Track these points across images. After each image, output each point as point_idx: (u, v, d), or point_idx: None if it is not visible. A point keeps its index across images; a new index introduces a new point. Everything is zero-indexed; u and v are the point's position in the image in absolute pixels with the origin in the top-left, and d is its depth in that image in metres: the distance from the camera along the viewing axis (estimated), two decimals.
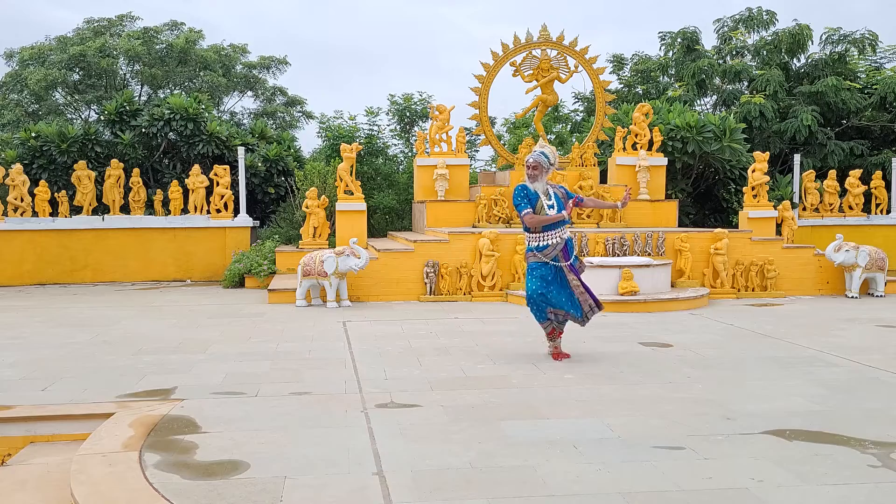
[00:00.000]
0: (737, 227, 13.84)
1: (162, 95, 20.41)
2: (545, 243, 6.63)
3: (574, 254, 6.77)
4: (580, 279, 6.74)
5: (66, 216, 14.44)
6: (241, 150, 14.78)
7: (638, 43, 52.42)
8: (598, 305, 6.80)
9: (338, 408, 5.26)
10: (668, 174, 15.06)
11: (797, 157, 16.18)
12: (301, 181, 15.32)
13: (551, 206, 6.55)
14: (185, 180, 14.73)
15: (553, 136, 20.50)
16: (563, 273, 6.66)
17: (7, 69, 21.48)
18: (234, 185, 15.06)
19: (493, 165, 18.31)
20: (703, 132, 15.40)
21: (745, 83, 18.99)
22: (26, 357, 7.06)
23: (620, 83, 20.84)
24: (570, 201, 6.80)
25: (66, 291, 12.86)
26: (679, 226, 14.13)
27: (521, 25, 43.28)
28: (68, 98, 21.31)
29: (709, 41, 20.37)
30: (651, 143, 14.29)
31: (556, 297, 6.65)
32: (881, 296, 11.84)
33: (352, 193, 12.56)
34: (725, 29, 20.04)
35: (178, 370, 6.47)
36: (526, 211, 6.57)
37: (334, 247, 11.71)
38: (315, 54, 46.75)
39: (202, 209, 14.57)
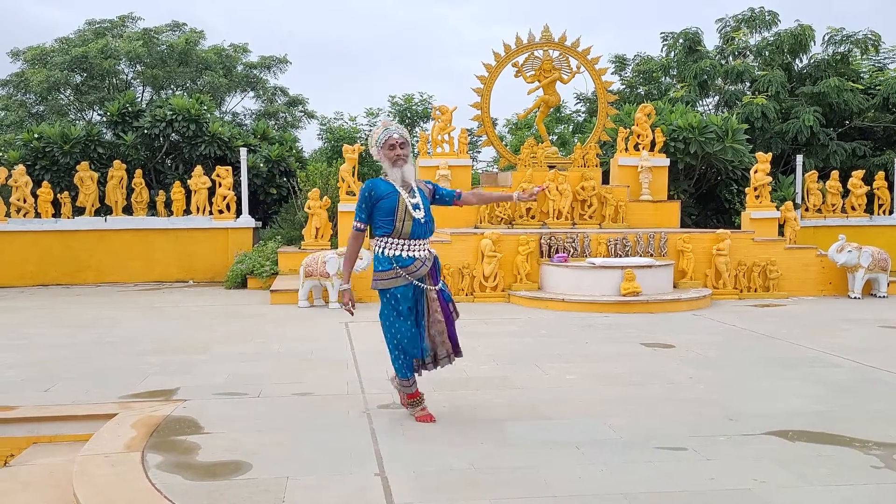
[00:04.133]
0: (739, 228, 13.81)
1: (164, 96, 20.43)
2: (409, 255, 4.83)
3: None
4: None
5: (68, 217, 14.47)
6: (243, 151, 14.80)
7: (640, 44, 52.46)
8: None
9: (340, 408, 5.26)
10: (671, 175, 15.05)
11: (799, 158, 16.16)
12: (303, 182, 15.34)
13: (417, 207, 4.82)
14: (188, 181, 14.76)
15: (555, 137, 20.52)
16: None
17: (14, 68, 21.53)
18: (236, 185, 15.08)
19: (495, 166, 18.31)
20: (706, 133, 15.39)
21: (748, 84, 18.97)
22: (29, 358, 7.07)
23: (622, 84, 20.85)
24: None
25: (69, 292, 12.88)
26: (681, 226, 14.11)
27: (523, 26, 43.30)
28: (71, 99, 21.35)
29: (710, 41, 20.40)
30: (653, 143, 14.28)
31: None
32: (884, 296, 11.82)
33: (354, 194, 12.56)
34: (727, 29, 20.03)
35: (181, 371, 6.48)
36: (358, 227, 4.87)
37: (336, 248, 11.72)
38: (314, 56, 46.89)
39: (204, 210, 14.59)
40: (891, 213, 16.36)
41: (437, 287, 4.87)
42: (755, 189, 13.36)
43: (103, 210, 14.81)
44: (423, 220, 4.80)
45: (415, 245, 4.79)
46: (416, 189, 4.87)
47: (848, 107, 17.68)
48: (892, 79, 17.88)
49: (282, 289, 11.13)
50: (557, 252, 11.33)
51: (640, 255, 11.44)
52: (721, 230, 11.95)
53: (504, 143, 19.84)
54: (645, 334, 8.32)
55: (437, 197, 5.06)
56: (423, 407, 5.03)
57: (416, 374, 4.98)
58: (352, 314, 5.00)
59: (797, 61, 19.19)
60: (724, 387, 5.90)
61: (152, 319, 9.56)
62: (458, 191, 5.15)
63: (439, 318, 4.85)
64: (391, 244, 4.78)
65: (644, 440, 4.52)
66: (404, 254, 4.77)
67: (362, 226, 4.85)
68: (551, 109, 16.49)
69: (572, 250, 11.36)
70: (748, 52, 19.61)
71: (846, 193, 16.33)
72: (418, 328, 4.88)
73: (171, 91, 21.41)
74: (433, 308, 4.84)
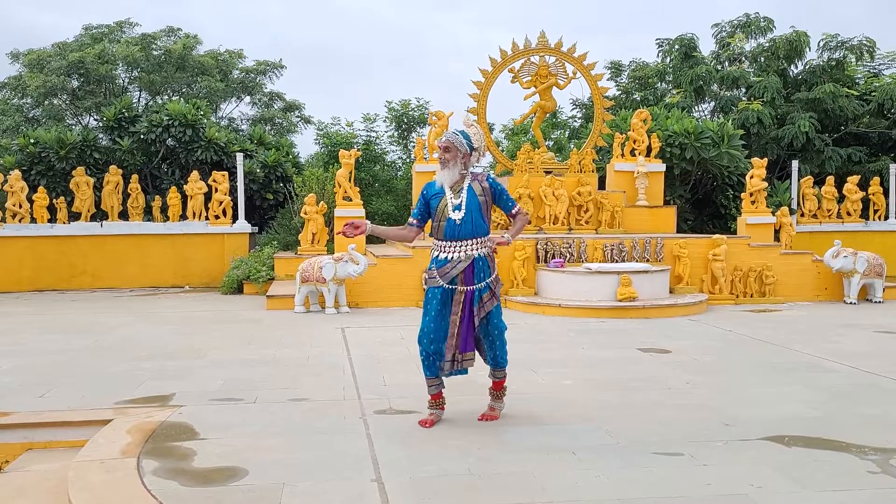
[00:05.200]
0: (735, 233, 13.85)
1: (160, 101, 20.42)
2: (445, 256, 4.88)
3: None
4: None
5: (64, 222, 14.43)
6: (239, 157, 14.79)
7: (635, 50, 52.52)
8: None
9: (336, 414, 5.25)
10: (667, 180, 15.08)
11: (795, 164, 16.20)
12: (299, 187, 15.33)
13: (457, 208, 4.79)
14: (184, 186, 14.74)
15: (551, 143, 20.55)
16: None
17: (11, 71, 21.50)
18: (232, 191, 15.06)
19: (492, 172, 18.34)
20: (702, 138, 15.44)
21: (743, 89, 19.04)
22: (24, 363, 7.05)
23: (618, 90, 20.90)
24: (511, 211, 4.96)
25: (65, 297, 12.84)
26: (677, 232, 14.14)
27: (520, 32, 43.40)
28: (67, 104, 21.33)
29: (706, 47, 20.48)
30: (649, 149, 14.32)
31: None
32: (879, 302, 11.84)
33: (350, 199, 12.57)
34: (723, 35, 20.10)
35: (177, 376, 6.46)
36: (409, 221, 5.04)
37: (333, 253, 11.71)
38: (311, 61, 46.83)
39: (201, 215, 14.57)
40: (886, 218, 16.41)
41: (468, 287, 4.80)
42: (751, 194, 13.40)
43: (99, 215, 14.78)
44: (458, 221, 4.77)
45: (449, 246, 4.81)
46: (465, 189, 4.82)
47: (843, 112, 17.75)
48: (887, 85, 17.95)
49: (278, 294, 11.12)
50: (554, 257, 11.33)
51: (637, 261, 11.46)
52: (717, 235, 11.97)
53: (500, 148, 19.87)
54: (641, 339, 8.33)
55: (498, 204, 4.96)
56: (432, 412, 5.06)
57: (441, 377, 5.01)
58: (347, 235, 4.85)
59: (792, 67, 19.27)
60: (720, 392, 5.90)
61: (148, 325, 9.54)
62: (516, 209, 4.99)
63: (455, 321, 4.83)
64: (434, 245, 4.94)
65: (641, 446, 4.52)
66: (440, 255, 4.86)
67: (414, 221, 5.00)
68: (547, 115, 16.51)
69: (569, 256, 11.38)
70: (743, 58, 19.68)
71: (842, 199, 16.38)
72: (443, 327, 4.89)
73: (167, 96, 21.40)
74: (454, 311, 4.82)
